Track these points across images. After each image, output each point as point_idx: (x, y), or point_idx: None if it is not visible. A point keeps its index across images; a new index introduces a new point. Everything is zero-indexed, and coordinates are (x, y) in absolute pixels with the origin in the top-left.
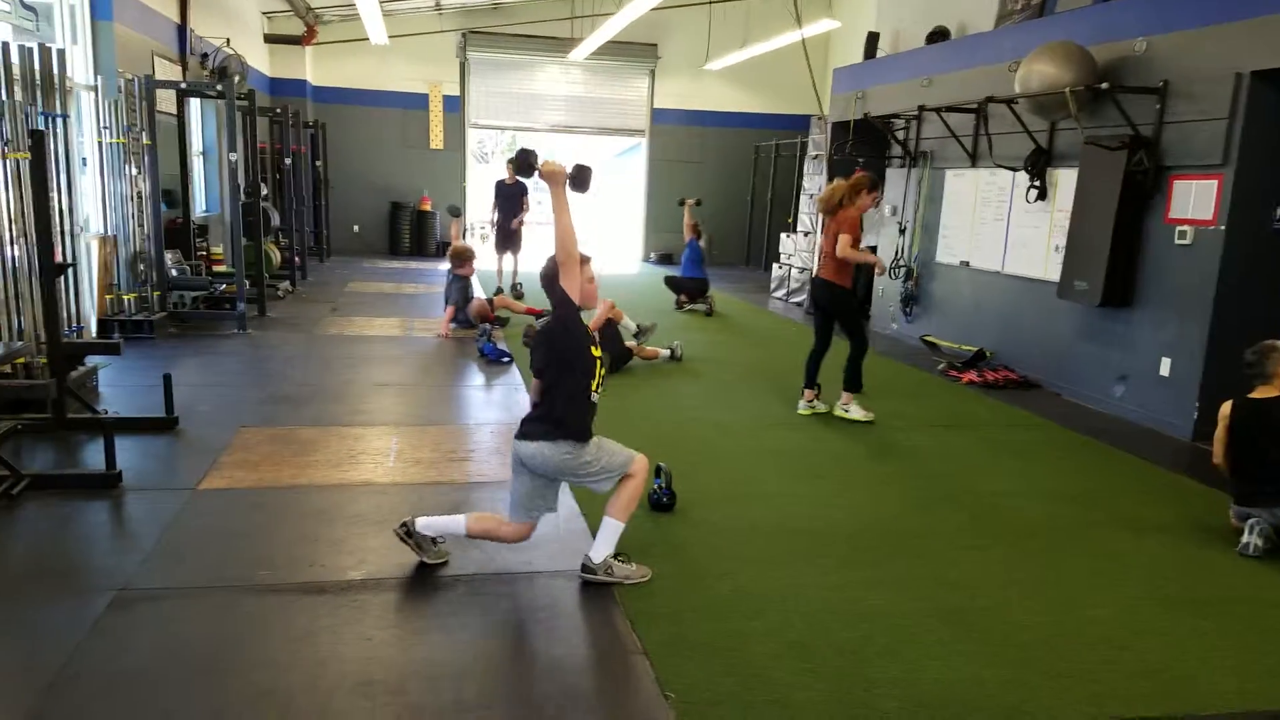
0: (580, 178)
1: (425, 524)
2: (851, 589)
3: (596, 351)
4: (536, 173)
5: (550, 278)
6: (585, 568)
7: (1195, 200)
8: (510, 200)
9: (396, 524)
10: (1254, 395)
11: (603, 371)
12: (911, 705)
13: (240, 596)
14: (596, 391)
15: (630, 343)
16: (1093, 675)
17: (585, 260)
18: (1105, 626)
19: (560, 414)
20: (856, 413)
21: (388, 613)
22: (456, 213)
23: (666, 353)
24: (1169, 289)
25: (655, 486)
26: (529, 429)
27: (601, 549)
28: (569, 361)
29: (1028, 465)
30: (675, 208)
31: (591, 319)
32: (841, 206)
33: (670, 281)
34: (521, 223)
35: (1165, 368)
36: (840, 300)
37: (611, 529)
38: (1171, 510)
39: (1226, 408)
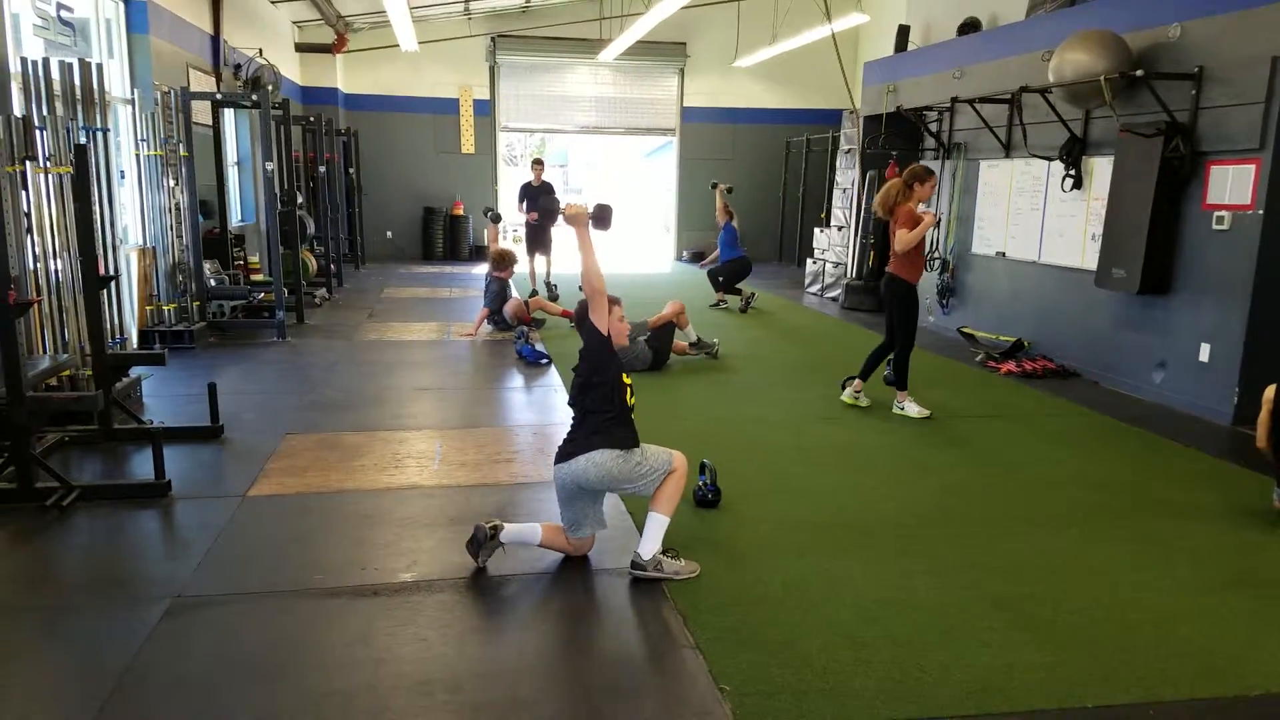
0: (602, 217)
1: (507, 532)
2: (900, 579)
3: (628, 379)
4: (561, 217)
5: (582, 317)
6: (635, 564)
7: (1233, 185)
8: (538, 202)
9: (485, 522)
10: None
11: (632, 400)
12: (964, 692)
13: (295, 601)
14: (630, 400)
15: (682, 343)
16: (1140, 658)
17: (615, 301)
18: (1151, 610)
19: (608, 428)
20: (913, 410)
21: (441, 613)
22: (497, 219)
23: (694, 335)
24: (1207, 275)
25: (700, 483)
26: (573, 448)
27: (649, 545)
28: (608, 384)
29: (1069, 453)
30: (706, 206)
31: (659, 315)
32: (898, 203)
33: (713, 275)
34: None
35: (1204, 354)
36: (900, 293)
37: (657, 524)
38: (1214, 495)
39: (1270, 391)
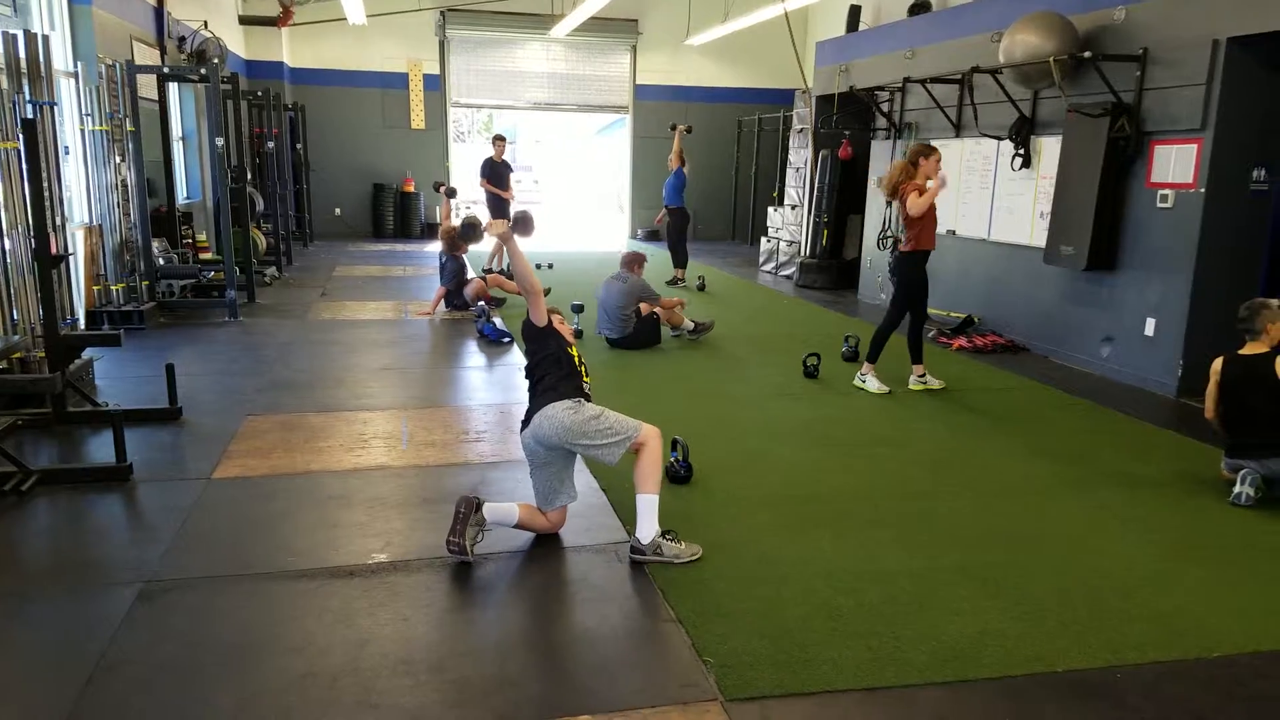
0: (523, 222)
1: (488, 509)
2: (869, 550)
3: (574, 351)
4: (485, 234)
5: (527, 327)
6: (634, 549)
7: (1176, 164)
8: (501, 179)
9: (462, 499)
10: (1244, 351)
11: (586, 374)
12: (940, 658)
13: (269, 583)
14: (586, 380)
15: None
16: (1104, 623)
17: (554, 311)
18: (1110, 577)
19: (556, 385)
20: (874, 385)
21: (420, 593)
22: (452, 193)
23: (691, 324)
24: (1152, 251)
25: (672, 460)
26: (530, 410)
27: (646, 528)
28: (552, 354)
29: (1022, 426)
30: (659, 185)
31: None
32: (903, 183)
33: (673, 249)
34: (511, 199)
35: (1150, 328)
36: (906, 267)
37: (648, 504)
38: (1163, 464)
39: (1218, 364)
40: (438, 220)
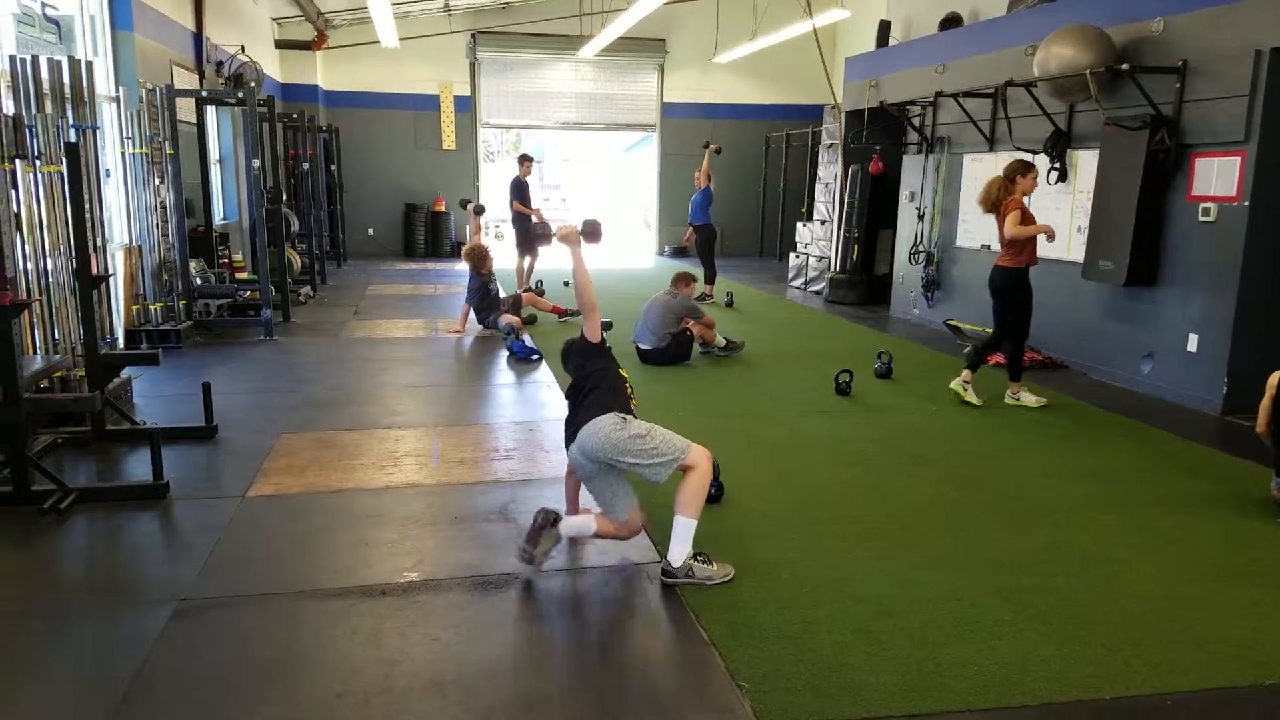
0: (592, 232)
1: (566, 524)
2: (906, 572)
3: (624, 373)
4: (554, 239)
5: (568, 353)
6: (665, 572)
7: (1218, 177)
8: (527, 199)
9: (541, 510)
10: None
11: (633, 393)
12: (982, 684)
13: (303, 602)
14: (633, 402)
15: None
16: (1149, 648)
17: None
18: (1154, 600)
19: (602, 399)
20: (1030, 399)
21: (452, 612)
22: (480, 210)
23: (723, 341)
24: (1194, 266)
25: None
26: (575, 425)
27: (679, 550)
28: (600, 368)
29: (1062, 444)
30: (687, 201)
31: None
32: (1002, 198)
33: (707, 265)
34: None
35: (1192, 344)
36: (1011, 282)
37: (684, 528)
38: (1208, 483)
39: (1275, 378)
40: (467, 239)
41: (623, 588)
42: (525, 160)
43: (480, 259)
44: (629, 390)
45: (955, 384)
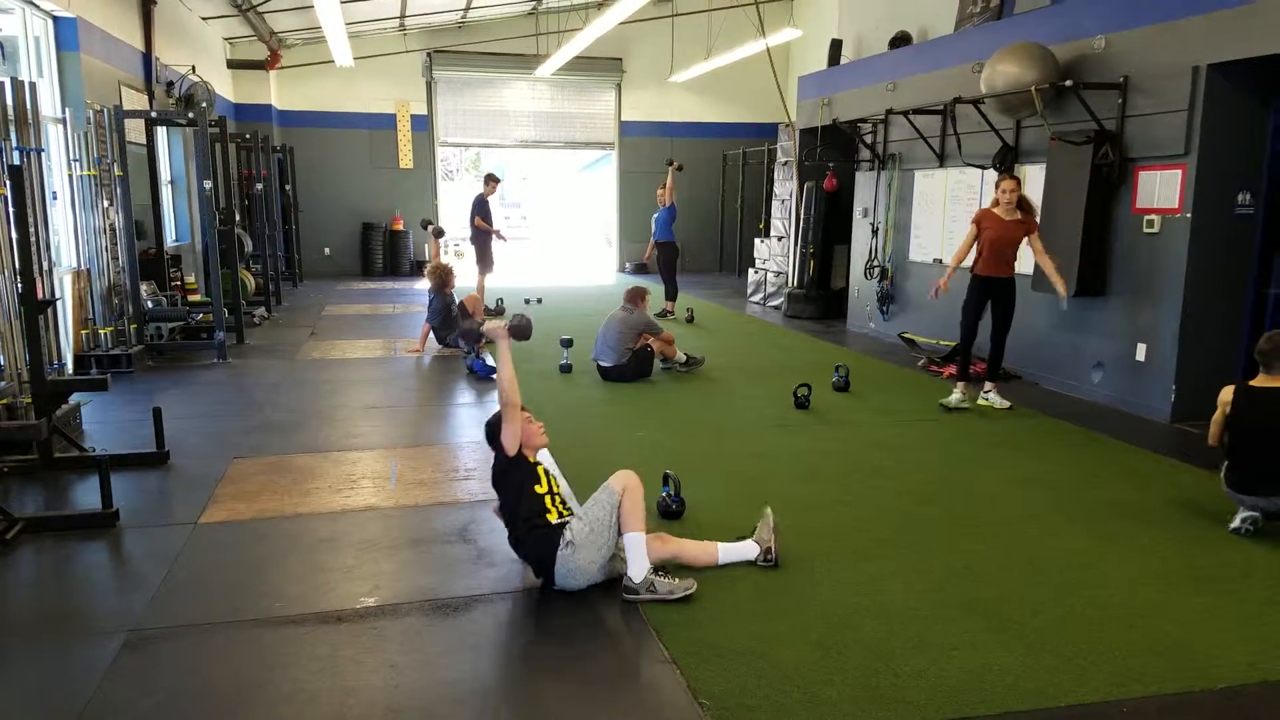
0: (519, 328)
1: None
2: (866, 584)
3: (541, 488)
4: (483, 337)
5: (494, 428)
6: (626, 589)
7: (1161, 190)
8: (489, 216)
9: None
10: (1256, 383)
11: (559, 498)
12: (940, 696)
13: (257, 630)
14: (554, 513)
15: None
16: (1107, 655)
17: (524, 408)
18: (1111, 607)
19: (528, 541)
20: (997, 400)
21: (409, 638)
22: (440, 233)
23: (684, 356)
24: (1140, 276)
25: (664, 494)
26: (523, 554)
27: (637, 567)
28: (523, 496)
29: (1015, 453)
30: (646, 218)
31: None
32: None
33: (667, 281)
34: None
35: (1141, 353)
36: (1013, 292)
37: (635, 542)
38: (1159, 491)
39: (1228, 393)
40: (426, 258)
41: (582, 608)
42: (491, 180)
43: (444, 278)
44: (551, 501)
45: (981, 401)
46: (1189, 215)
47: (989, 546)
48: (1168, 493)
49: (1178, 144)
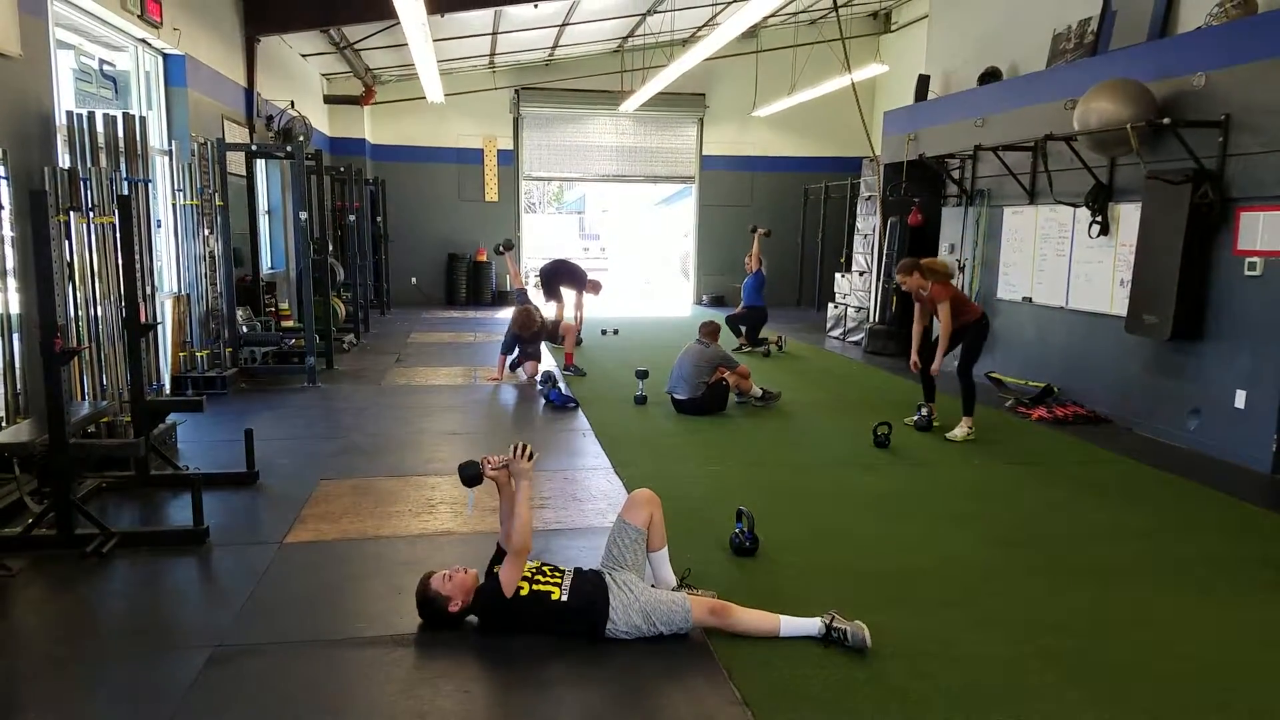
0: (470, 478)
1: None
2: (946, 631)
3: (524, 589)
4: (484, 479)
5: (490, 594)
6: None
7: (1264, 231)
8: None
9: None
10: None
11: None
12: None
13: (337, 650)
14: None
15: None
16: (1195, 714)
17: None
18: (1206, 666)
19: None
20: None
21: (483, 664)
22: (510, 245)
23: (759, 391)
24: (1241, 321)
25: (737, 530)
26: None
27: (666, 578)
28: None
29: (1107, 501)
30: (725, 251)
31: (734, 373)
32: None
33: (731, 321)
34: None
35: (1240, 400)
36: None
37: (660, 559)
38: (1258, 545)
39: None
40: (508, 288)
41: (653, 646)
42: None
43: (528, 326)
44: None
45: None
46: None
47: (1076, 597)
48: (1266, 547)
49: None
